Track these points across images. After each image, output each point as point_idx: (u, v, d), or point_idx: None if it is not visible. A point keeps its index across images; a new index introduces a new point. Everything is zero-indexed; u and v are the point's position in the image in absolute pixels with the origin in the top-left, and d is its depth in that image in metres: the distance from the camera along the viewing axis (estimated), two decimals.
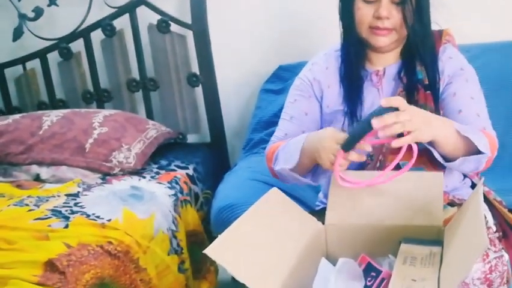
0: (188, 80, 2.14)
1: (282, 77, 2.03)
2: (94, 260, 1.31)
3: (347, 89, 1.24)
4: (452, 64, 1.22)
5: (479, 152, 1.08)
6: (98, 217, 1.51)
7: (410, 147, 1.08)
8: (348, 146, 1.03)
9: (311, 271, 1.03)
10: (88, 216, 1.52)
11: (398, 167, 1.10)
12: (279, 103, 1.90)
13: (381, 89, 1.24)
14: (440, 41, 1.25)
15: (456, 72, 1.22)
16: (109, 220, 1.49)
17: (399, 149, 1.13)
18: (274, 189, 1.10)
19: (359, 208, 1.08)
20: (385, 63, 1.25)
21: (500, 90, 1.75)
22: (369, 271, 0.99)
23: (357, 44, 1.23)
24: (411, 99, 1.19)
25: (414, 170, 1.13)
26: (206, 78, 2.12)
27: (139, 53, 2.15)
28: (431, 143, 1.08)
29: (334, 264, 1.04)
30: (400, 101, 0.98)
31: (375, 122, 0.96)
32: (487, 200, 1.23)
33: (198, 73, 2.12)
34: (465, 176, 1.29)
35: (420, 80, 1.21)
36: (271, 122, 1.91)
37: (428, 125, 1.02)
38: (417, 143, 1.03)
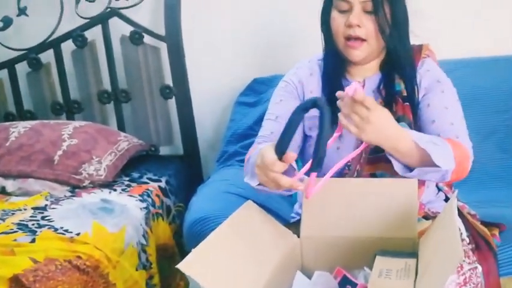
0: (162, 92, 2.12)
1: (257, 90, 2.03)
2: (62, 276, 1.26)
3: (328, 98, 1.24)
4: (429, 76, 1.24)
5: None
6: (66, 231, 1.46)
7: (386, 159, 1.09)
8: (280, 148, 0.96)
9: (286, 284, 1.02)
10: (56, 230, 1.47)
11: (374, 176, 1.11)
12: (254, 116, 1.92)
13: None
14: (419, 55, 1.26)
15: (432, 84, 1.23)
16: (78, 234, 1.45)
17: (376, 159, 1.15)
18: (249, 202, 1.08)
19: (333, 220, 1.08)
20: (365, 75, 1.26)
21: (471, 105, 1.78)
22: (345, 284, 0.99)
23: (336, 55, 1.24)
24: (389, 111, 1.19)
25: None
26: (179, 90, 2.11)
27: (110, 64, 2.12)
28: (390, 154, 1.08)
29: (309, 278, 1.03)
30: (372, 101, 1.03)
31: (340, 93, 1.03)
32: (460, 213, 1.24)
33: (171, 85, 2.11)
34: (439, 189, 1.30)
35: (398, 91, 1.22)
36: (246, 134, 1.90)
37: (377, 132, 1.04)
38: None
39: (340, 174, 1.20)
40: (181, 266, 0.85)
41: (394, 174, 1.11)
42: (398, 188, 1.08)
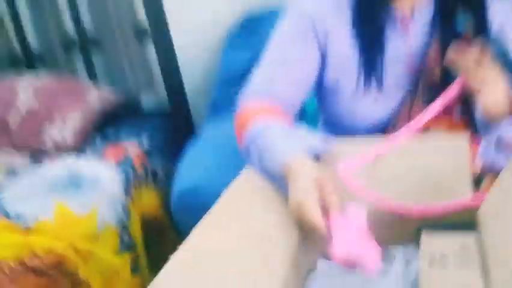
0: (136, 34, 2.00)
1: (249, 29, 1.83)
2: (10, 283, 1.07)
3: (363, 31, 0.95)
4: (502, 7, 0.96)
5: None
6: (21, 217, 1.25)
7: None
8: None
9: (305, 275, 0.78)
10: (8, 216, 1.26)
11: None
12: (246, 58, 1.68)
13: (407, 37, 0.97)
14: None
15: (508, 16, 0.95)
16: (36, 220, 1.24)
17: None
18: (247, 172, 0.88)
19: (369, 184, 0.86)
20: (413, 4, 0.97)
21: None
22: None
23: None
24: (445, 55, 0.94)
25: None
26: (157, 31, 1.94)
27: (72, 5, 1.97)
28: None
29: None
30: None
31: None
32: None
33: (147, 26, 1.95)
34: None
35: (459, 34, 0.93)
36: (239, 80, 1.67)
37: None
38: None
39: (383, 130, 1.01)
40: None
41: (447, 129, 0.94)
42: (445, 142, 0.92)
